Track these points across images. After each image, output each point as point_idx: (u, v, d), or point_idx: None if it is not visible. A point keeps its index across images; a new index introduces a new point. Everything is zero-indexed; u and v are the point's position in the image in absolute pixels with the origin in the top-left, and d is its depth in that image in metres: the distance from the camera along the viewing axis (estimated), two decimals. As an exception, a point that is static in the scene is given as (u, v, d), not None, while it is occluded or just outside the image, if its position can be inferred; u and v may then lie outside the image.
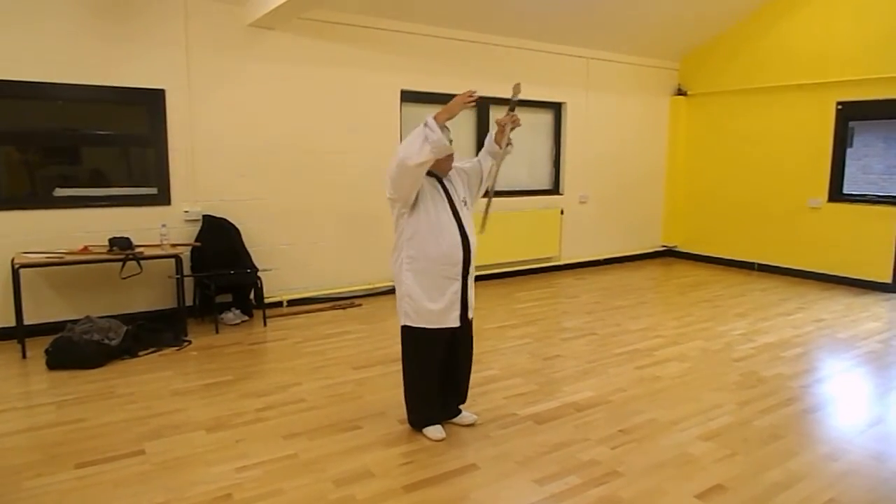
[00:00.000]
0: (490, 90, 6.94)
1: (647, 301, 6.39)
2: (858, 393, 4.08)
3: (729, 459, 3.03)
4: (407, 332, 3.19)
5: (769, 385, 4.04)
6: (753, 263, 7.93)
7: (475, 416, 3.41)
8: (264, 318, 5.33)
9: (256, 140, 5.55)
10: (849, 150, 7.28)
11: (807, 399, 3.84)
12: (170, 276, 5.04)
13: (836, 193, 7.20)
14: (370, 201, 6.24)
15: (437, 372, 3.19)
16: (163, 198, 5.22)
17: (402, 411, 3.47)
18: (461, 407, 3.41)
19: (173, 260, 4.83)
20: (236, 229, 5.43)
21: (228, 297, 5.43)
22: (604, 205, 8.11)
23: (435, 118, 2.93)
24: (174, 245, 5.01)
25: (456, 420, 3.37)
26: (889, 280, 6.80)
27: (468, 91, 2.94)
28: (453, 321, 3.13)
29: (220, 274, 5.12)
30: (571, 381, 4.06)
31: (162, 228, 4.96)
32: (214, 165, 5.38)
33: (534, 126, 7.58)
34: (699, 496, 2.70)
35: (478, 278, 7.12)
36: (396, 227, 3.18)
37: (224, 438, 3.20)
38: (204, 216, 5.32)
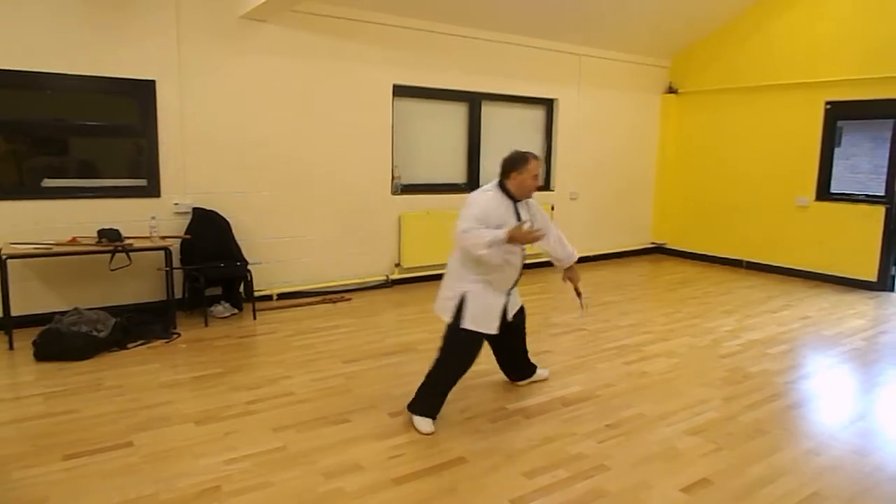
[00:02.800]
0: (482, 86, 6.98)
1: (635, 297, 6.43)
2: (842, 389, 4.13)
3: (714, 454, 3.07)
4: (460, 332, 3.29)
5: (755, 381, 4.08)
6: (742, 261, 8.00)
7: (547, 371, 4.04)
8: (254, 311, 5.32)
9: (248, 133, 5.53)
10: (836, 150, 7.34)
11: (791, 395, 3.89)
12: (159, 269, 5.02)
13: (824, 192, 7.27)
14: (361, 195, 6.24)
15: (466, 371, 3.41)
16: (152, 189, 5.19)
17: (392, 404, 3.50)
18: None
19: (163, 252, 4.81)
20: (226, 222, 5.41)
21: (218, 290, 5.42)
22: (594, 201, 8.14)
23: (506, 240, 3.13)
24: (164, 237, 4.99)
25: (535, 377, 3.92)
26: (874, 278, 6.88)
27: (536, 231, 3.21)
28: (495, 329, 3.39)
29: (210, 266, 5.10)
30: (560, 375, 4.09)
31: (151, 220, 4.94)
32: (205, 158, 5.36)
33: (525, 122, 7.60)
34: (685, 490, 2.74)
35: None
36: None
37: (213, 431, 3.20)
38: (194, 209, 5.30)
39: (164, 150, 5.18)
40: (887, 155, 6.85)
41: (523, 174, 3.37)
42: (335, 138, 6.01)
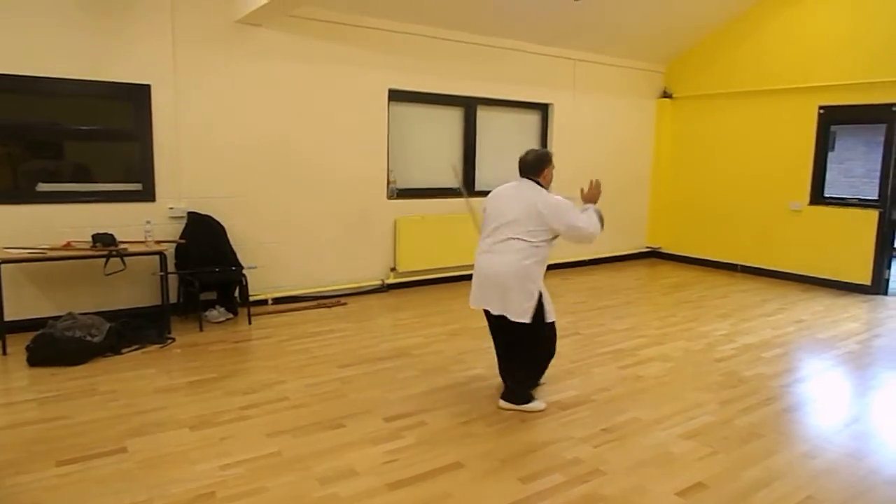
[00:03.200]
0: (477, 90, 6.99)
1: (631, 301, 6.44)
2: (837, 392, 4.14)
3: (710, 458, 3.07)
4: (545, 326, 3.62)
5: (750, 385, 4.09)
6: (737, 265, 8.02)
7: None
8: (249, 315, 5.31)
9: (243, 137, 5.53)
10: (830, 154, 7.40)
11: (786, 398, 3.90)
12: (154, 273, 5.01)
13: (818, 196, 7.31)
14: (357, 200, 6.24)
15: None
16: (147, 194, 5.18)
17: (388, 409, 3.53)
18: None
19: (157, 257, 4.80)
20: (221, 226, 5.40)
21: (213, 295, 5.41)
22: (589, 205, 8.14)
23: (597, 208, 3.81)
24: (158, 242, 4.97)
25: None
26: (868, 282, 6.91)
27: (597, 183, 3.88)
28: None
29: (205, 271, 5.09)
30: (556, 380, 4.08)
31: (146, 225, 4.93)
32: (200, 162, 5.35)
33: (520, 127, 7.61)
34: (680, 494, 2.74)
35: (459, 279, 7.17)
36: (533, 245, 3.53)
37: (208, 436, 3.19)
38: (189, 213, 5.29)
39: (159, 155, 5.17)
40: (880, 159, 6.90)
41: (551, 168, 3.79)
42: (330, 142, 6.01)
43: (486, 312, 3.67)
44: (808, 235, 7.34)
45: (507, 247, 3.51)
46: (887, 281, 6.96)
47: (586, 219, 3.63)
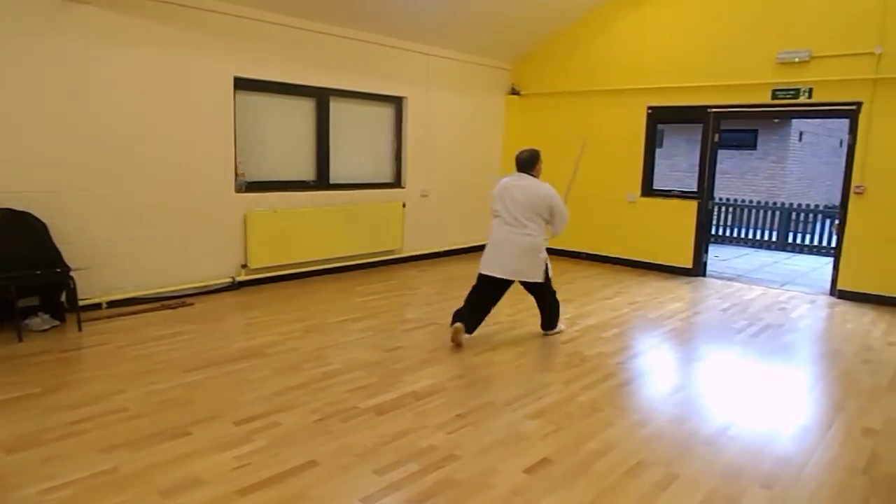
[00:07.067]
0: (330, 81, 6.86)
1: (485, 290, 6.66)
2: (664, 365, 4.58)
3: (554, 434, 3.27)
4: (549, 281, 4.89)
5: (591, 363, 4.41)
6: (582, 253, 8.59)
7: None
8: (79, 322, 4.81)
9: (66, 126, 4.99)
10: (659, 150, 8.14)
11: (622, 374, 4.25)
12: (-42, 279, 4.39)
13: (648, 189, 8.02)
14: (201, 193, 5.88)
15: None
16: (-53, 189, 4.53)
17: (238, 412, 3.40)
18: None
19: (-38, 260, 4.21)
20: (42, 224, 4.84)
21: (35, 301, 4.85)
22: (444, 198, 8.33)
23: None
24: (-37, 243, 4.37)
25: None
26: (690, 265, 7.71)
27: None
28: None
29: (22, 275, 4.54)
30: (412, 370, 4.14)
31: (-54, 224, 4.31)
32: (15, 153, 4.75)
33: (375, 120, 7.59)
34: (527, 471, 2.89)
35: (319, 273, 7.04)
36: (539, 225, 4.70)
37: (28, 459, 2.85)
38: (1, 209, 4.69)
39: (-38, 144, 4.53)
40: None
41: (541, 163, 4.85)
42: (169, 132, 5.60)
43: (482, 275, 4.70)
44: (641, 224, 8.04)
45: (521, 227, 4.61)
46: (706, 264, 7.81)
47: (562, 205, 4.78)
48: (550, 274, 4.86)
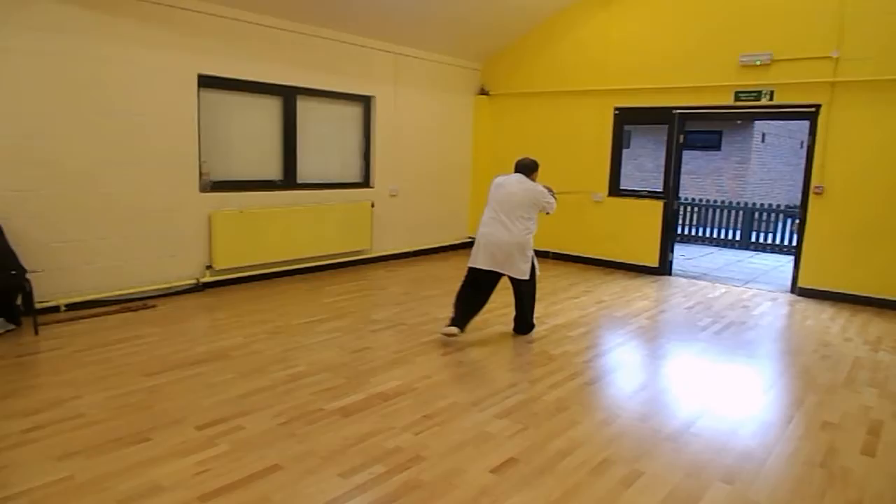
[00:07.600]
0: (297, 80, 6.78)
1: (453, 291, 6.57)
2: (630, 364, 4.63)
3: (520, 434, 3.28)
4: (535, 276, 4.97)
5: (558, 362, 4.43)
6: (549, 252, 8.64)
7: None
8: (35, 325, 4.67)
9: (21, 125, 4.84)
10: (626, 151, 8.23)
11: (588, 372, 4.28)
12: None
13: (615, 189, 8.11)
14: (164, 193, 5.76)
15: None
16: None
17: (200, 416, 3.33)
18: None
19: None
20: (-3, 225, 4.70)
21: (-12, 304, 4.70)
22: (414, 198, 8.31)
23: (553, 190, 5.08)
24: (-89, 244, 4.20)
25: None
26: (656, 264, 7.82)
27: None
28: None
29: (-24, 277, 4.40)
30: (379, 371, 4.11)
31: None
32: (-35, 151, 4.60)
33: (343, 119, 7.53)
34: (494, 471, 2.89)
35: (287, 273, 6.97)
36: (530, 220, 4.86)
37: (-22, 468, 2.76)
38: (-48, 210, 4.53)
39: None
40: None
41: (538, 174, 5.03)
42: (131, 131, 5.47)
43: (472, 269, 4.85)
44: (608, 224, 8.13)
45: (512, 223, 4.73)
46: (671, 262, 7.92)
47: (552, 200, 5.00)
48: (538, 272, 4.99)
